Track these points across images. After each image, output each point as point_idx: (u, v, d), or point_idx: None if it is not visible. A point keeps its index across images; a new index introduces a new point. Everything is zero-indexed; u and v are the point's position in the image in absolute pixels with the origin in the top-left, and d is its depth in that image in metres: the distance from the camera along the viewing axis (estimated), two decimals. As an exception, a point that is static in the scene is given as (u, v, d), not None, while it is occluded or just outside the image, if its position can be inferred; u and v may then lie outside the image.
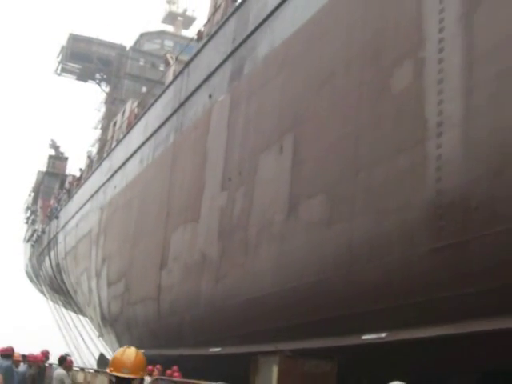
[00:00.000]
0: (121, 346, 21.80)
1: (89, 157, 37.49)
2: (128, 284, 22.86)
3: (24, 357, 15.18)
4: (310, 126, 12.72)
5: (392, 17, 10.85)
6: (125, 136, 27.34)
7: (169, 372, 16.74)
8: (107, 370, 4.24)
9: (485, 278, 8.24)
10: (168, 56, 26.70)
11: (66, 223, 36.49)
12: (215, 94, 18.03)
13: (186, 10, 60.81)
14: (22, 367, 14.54)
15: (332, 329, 11.08)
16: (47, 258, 41.50)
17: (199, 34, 22.02)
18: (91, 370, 22.05)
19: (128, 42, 56.16)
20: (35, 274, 49.99)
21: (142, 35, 56.55)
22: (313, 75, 12.97)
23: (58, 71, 58.90)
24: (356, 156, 11.01)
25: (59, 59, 57.98)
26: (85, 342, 38.23)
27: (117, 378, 4.00)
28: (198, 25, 60.19)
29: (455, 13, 9.38)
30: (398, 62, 10.39)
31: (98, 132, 56.07)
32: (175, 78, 21.93)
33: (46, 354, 15.71)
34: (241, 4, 17.65)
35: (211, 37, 19.24)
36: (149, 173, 22.70)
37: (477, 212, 8.30)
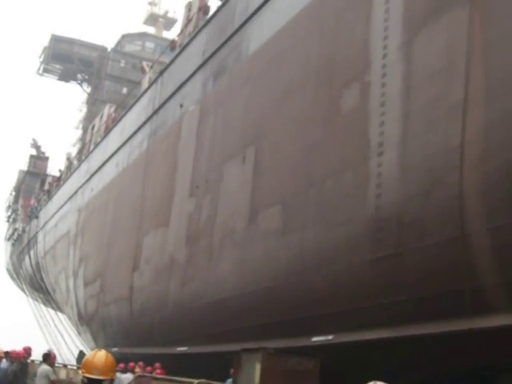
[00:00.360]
0: (96, 344, 22.41)
1: (68, 159, 37.89)
2: (103, 284, 23.42)
3: (6, 353, 15.41)
4: (269, 139, 13.40)
5: (343, 42, 11.56)
6: (102, 140, 27.85)
7: (150, 369, 16.65)
8: (79, 372, 4.77)
9: (416, 287, 8.97)
10: (144, 64, 27.27)
11: (46, 223, 36.90)
12: (186, 103, 18.65)
13: (167, 12, 61.14)
14: (4, 363, 14.83)
15: (286, 331, 11.77)
16: (27, 257, 41.85)
17: (173, 43, 22.61)
18: (74, 367, 22.35)
19: (110, 43, 56.56)
20: (16, 272, 50.24)
21: (124, 36, 56.84)
22: (273, 92, 13.65)
23: (40, 71, 59.01)
24: (309, 170, 11.71)
25: (41, 60, 58.10)
26: (64, 339, 38.64)
27: (88, 379, 4.30)
28: (179, 27, 60.74)
29: (397, 41, 10.10)
30: (347, 84, 11.09)
31: (79, 132, 56.32)
32: (150, 85, 22.51)
33: (28, 351, 15.85)
34: (211, 18, 18.28)
35: (183, 48, 19.86)
36: (124, 177, 23.26)
37: (410, 227, 9.03)
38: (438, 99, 8.94)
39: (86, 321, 26.61)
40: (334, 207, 10.75)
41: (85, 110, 58.27)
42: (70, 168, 35.30)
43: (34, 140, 57.04)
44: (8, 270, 53.94)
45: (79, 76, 58.56)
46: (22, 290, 51.41)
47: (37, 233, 38.81)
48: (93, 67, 55.51)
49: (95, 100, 54.61)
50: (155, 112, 21.18)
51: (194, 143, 17.41)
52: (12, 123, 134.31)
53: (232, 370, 11.69)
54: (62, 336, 39.42)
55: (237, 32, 16.09)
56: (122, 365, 15.80)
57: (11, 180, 59.86)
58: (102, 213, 25.15)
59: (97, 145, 28.66)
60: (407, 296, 9.12)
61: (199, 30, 18.90)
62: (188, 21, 20.90)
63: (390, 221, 9.37)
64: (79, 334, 30.75)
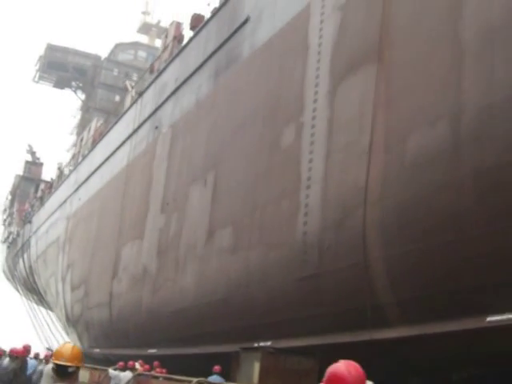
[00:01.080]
0: (81, 344, 23.82)
1: (59, 168, 39.33)
2: (87, 290, 24.92)
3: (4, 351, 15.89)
4: (226, 166, 14.92)
5: (285, 85, 13.07)
6: (89, 152, 29.33)
7: (148, 367, 16.27)
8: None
9: (332, 303, 10.49)
10: (127, 83, 28.68)
11: (38, 228, 38.36)
12: (161, 126, 20.15)
13: (159, 22, 62.53)
14: (5, 361, 14.73)
15: (236, 338, 13.27)
16: (21, 260, 43.29)
17: (151, 67, 24.10)
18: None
19: (104, 51, 57.96)
20: (11, 274, 51.62)
21: (117, 46, 58.17)
22: (231, 123, 15.17)
23: (36, 79, 60.38)
24: (254, 197, 13.22)
25: (37, 67, 59.45)
26: (56, 338, 40.00)
27: (57, 365, 4.76)
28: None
29: (325, 88, 11.62)
30: (285, 123, 12.61)
31: (74, 137, 57.73)
32: (130, 105, 24.00)
33: (27, 348, 15.85)
34: (183, 48, 19.78)
35: (159, 74, 21.37)
36: (107, 190, 24.75)
37: (327, 252, 10.55)
38: (351, 144, 10.45)
39: (72, 323, 28.11)
40: (273, 231, 12.27)
41: (79, 116, 59.70)
42: (61, 177, 36.73)
43: (29, 146, 58.47)
44: (4, 271, 55.32)
45: (74, 83, 59.88)
46: (17, 290, 52.78)
47: (30, 237, 40.28)
48: (87, 75, 56.87)
49: (88, 108, 56.05)
50: (135, 131, 22.68)
51: (165, 163, 18.92)
52: (8, 129, 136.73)
53: (216, 367, 13.32)
54: (54, 335, 40.83)
55: (204, 63, 17.59)
56: (121, 363, 15.78)
57: (7, 184, 61.03)
58: (88, 222, 26.64)
59: (84, 157, 30.14)
60: (326, 310, 10.64)
61: (173, 58, 20.40)
62: (165, 47, 22.41)
63: (313, 245, 10.89)
64: (67, 333, 32.21)
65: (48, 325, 42.44)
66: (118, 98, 51.36)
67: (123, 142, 23.80)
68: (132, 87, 26.01)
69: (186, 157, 17.64)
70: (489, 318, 8.04)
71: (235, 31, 15.92)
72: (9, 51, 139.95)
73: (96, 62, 57.08)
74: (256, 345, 10.87)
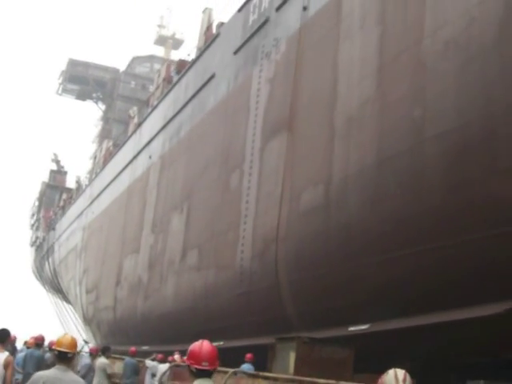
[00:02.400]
0: (95, 341, 27.60)
1: (77, 182, 43.09)
2: (98, 294, 28.55)
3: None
4: (195, 198, 18.24)
5: (235, 136, 16.30)
6: (101, 171, 32.92)
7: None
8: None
9: (259, 313, 13.75)
10: (130, 112, 32.11)
11: (60, 235, 42.20)
12: (153, 156, 23.54)
13: (174, 34, 65.98)
14: (46, 355, 14.08)
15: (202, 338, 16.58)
16: (47, 263, 47.28)
17: (148, 100, 27.49)
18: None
19: (123, 61, 61.56)
20: (39, 274, 55.78)
21: (134, 59, 61.77)
22: (199, 162, 18.47)
23: (59, 92, 64.29)
24: (213, 226, 16.52)
25: (60, 81, 63.33)
26: (78, 332, 43.85)
27: (59, 351, 5.70)
28: (186, 46, 65.66)
29: (258, 144, 14.83)
30: (233, 169, 15.86)
31: (95, 146, 61.57)
32: (131, 135, 27.48)
33: None
34: (169, 90, 23.12)
35: (152, 109, 24.76)
36: (114, 207, 28.28)
37: (254, 275, 13.81)
38: (271, 193, 13.67)
39: (88, 321, 31.85)
40: (222, 256, 15.56)
41: (100, 126, 63.54)
42: (79, 189, 40.48)
43: (54, 155, 62.45)
44: (33, 271, 59.57)
45: (94, 95, 63.66)
46: (44, 288, 56.93)
47: (53, 243, 44.19)
48: (106, 88, 60.56)
49: (108, 118, 59.82)
50: (134, 157, 26.11)
51: (156, 190, 22.32)
52: (35, 138, 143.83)
53: (248, 355, 13.30)
54: (79, 331, 44.73)
55: (184, 107, 20.90)
56: (160, 355, 15.89)
57: (35, 190, 65.28)
58: (99, 234, 30.24)
59: (97, 174, 33.77)
60: (256, 318, 13.92)
61: (163, 98, 23.76)
62: (157, 86, 25.79)
63: (246, 270, 14.16)
64: (85, 330, 36.02)
65: (72, 320, 46.35)
66: (135, 108, 55.05)
67: (126, 166, 27.26)
68: (134, 115, 29.42)
69: (170, 186, 21.01)
70: (350, 328, 11.18)
71: (205, 84, 19.19)
72: (33, 66, 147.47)
73: (115, 74, 60.64)
74: (292, 335, 10.72)
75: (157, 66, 62.44)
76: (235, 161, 15.93)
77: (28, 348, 13.71)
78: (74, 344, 5.94)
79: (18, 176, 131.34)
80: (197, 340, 4.64)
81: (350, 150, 11.18)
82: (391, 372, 3.64)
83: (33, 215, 61.86)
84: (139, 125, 26.56)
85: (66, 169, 61.10)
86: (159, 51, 66.23)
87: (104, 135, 55.11)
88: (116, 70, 61.80)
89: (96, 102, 64.67)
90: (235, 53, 17.25)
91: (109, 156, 32.88)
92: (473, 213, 8.48)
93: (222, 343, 14.18)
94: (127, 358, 15.88)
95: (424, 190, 9.32)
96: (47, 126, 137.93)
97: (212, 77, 18.71)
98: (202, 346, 4.50)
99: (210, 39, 20.23)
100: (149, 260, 21.54)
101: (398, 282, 9.89)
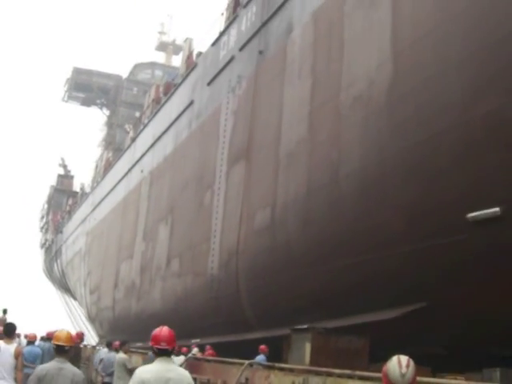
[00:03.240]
0: (99, 338, 30.03)
1: (81, 189, 45.50)
2: (99, 295, 30.93)
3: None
4: (177, 212, 20.48)
5: (208, 158, 18.49)
6: (101, 180, 35.25)
7: (211, 352, 15.50)
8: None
9: (226, 315, 15.97)
10: (126, 126, 34.33)
11: (67, 238, 44.64)
12: (144, 170, 25.80)
13: (175, 40, 68.07)
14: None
15: (186, 336, 18.83)
16: (55, 264, 49.79)
17: (140, 117, 29.73)
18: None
19: (126, 67, 63.73)
20: (49, 274, 58.38)
21: (136, 66, 63.91)
22: (181, 181, 20.70)
23: (65, 99, 66.60)
24: (190, 238, 18.75)
25: (65, 89, 65.65)
26: (86, 327, 46.26)
27: (57, 345, 6.23)
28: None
29: (225, 169, 17.01)
30: (206, 188, 18.07)
31: (101, 149, 63.93)
32: (127, 148, 29.76)
33: (80, 336, 16.26)
34: (158, 111, 25.33)
35: (144, 127, 27.00)
36: (112, 215, 30.58)
37: (220, 283, 16.03)
38: (233, 212, 15.86)
39: (91, 319, 34.29)
40: (198, 264, 17.80)
41: (105, 130, 65.87)
42: (83, 195, 42.87)
43: (62, 159, 64.91)
44: (44, 271, 62.20)
45: (99, 101, 65.97)
46: (54, 286, 59.52)
47: (61, 246, 46.65)
48: (110, 94, 62.82)
49: (112, 124, 62.12)
50: (129, 170, 28.39)
51: (146, 202, 24.59)
52: (43, 143, 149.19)
53: (261, 347, 13.10)
54: (87, 327, 47.17)
55: (170, 127, 23.12)
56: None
57: (44, 193, 67.75)
58: (100, 239, 32.59)
59: (98, 183, 36.11)
60: (223, 319, 16.16)
61: (152, 118, 26.00)
62: (148, 105, 28.03)
63: (215, 277, 16.39)
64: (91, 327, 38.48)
65: (80, 316, 48.81)
66: (137, 113, 57.31)
67: (122, 177, 29.55)
68: (130, 130, 31.68)
69: (157, 199, 23.26)
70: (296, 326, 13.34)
71: (185, 109, 21.39)
72: (40, 75, 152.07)
73: (117, 81, 62.79)
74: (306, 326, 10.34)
75: (158, 73, 64.73)
76: (208, 181, 18.14)
77: (45, 342, 13.95)
78: (70, 338, 6.39)
79: (29, 180, 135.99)
80: (182, 338, 6.61)
81: (289, 180, 13.35)
82: (394, 358, 3.62)
83: (42, 218, 64.41)
84: (133, 140, 28.81)
85: (72, 173, 63.57)
86: (161, 56, 68.41)
87: (109, 140, 57.36)
88: (119, 77, 63.94)
89: (100, 108, 66.89)
90: (208, 84, 19.44)
91: (108, 166, 35.18)
92: (370, 236, 10.64)
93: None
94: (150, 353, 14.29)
95: (340, 216, 11.50)
96: (54, 131, 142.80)
97: (191, 103, 20.91)
98: (162, 330, 5.26)
99: (190, 67, 22.42)
100: (141, 265, 23.83)
101: (323, 287, 12.09)
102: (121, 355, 12.95)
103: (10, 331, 9.62)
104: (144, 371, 5.10)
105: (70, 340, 6.39)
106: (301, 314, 13.07)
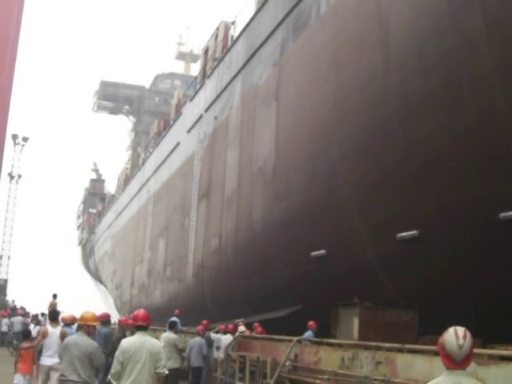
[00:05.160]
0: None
1: (108, 196, 51.82)
2: (122, 291, 37.12)
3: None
4: (170, 230, 26.25)
5: (187, 191, 24.13)
6: (122, 193, 41.33)
7: (260, 330, 15.18)
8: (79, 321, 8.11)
9: (198, 311, 21.70)
10: (139, 149, 40.21)
11: (98, 239, 51.08)
12: (150, 191, 31.63)
13: (192, 50, 73.71)
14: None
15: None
16: (90, 261, 56.45)
17: (147, 145, 35.49)
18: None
19: (149, 75, 69.18)
20: (86, 267, 65.29)
21: (156, 77, 69.81)
22: (172, 205, 26.43)
23: (95, 109, 72.92)
24: (177, 252, 24.50)
25: (94, 100, 72.04)
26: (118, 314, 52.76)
27: (82, 324, 7.86)
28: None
29: (196, 202, 22.65)
30: (186, 214, 23.76)
31: (129, 153, 70.20)
32: (138, 169, 35.65)
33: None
34: (158, 144, 31.04)
35: (149, 155, 32.79)
36: (129, 224, 36.62)
37: (194, 287, 21.76)
38: (200, 236, 21.50)
39: (118, 310, 40.60)
40: (181, 272, 23.56)
41: (132, 135, 72.11)
42: (110, 202, 49.14)
43: (94, 164, 71.56)
44: (82, 264, 69.22)
45: (125, 110, 72.22)
46: (93, 279, 66.36)
47: (93, 245, 53.19)
48: (134, 103, 68.90)
49: (137, 131, 68.29)
50: (140, 188, 34.29)
51: (151, 218, 30.45)
52: (77, 149, 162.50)
53: (310, 323, 12.91)
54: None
55: (165, 161, 28.83)
56: (222, 326, 15.84)
57: (80, 194, 74.51)
58: (121, 244, 38.71)
59: (119, 195, 42.23)
60: (197, 314, 21.88)
61: (155, 148, 31.74)
62: (152, 137, 33.79)
63: (190, 284, 22.13)
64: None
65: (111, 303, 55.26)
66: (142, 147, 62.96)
67: (136, 194, 35.49)
68: (141, 153, 37.58)
69: (158, 217, 29.09)
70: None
71: (174, 148, 27.05)
72: (72, 88, 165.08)
73: (141, 91, 68.81)
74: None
75: (177, 82, 70.47)
76: (187, 209, 23.84)
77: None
78: (94, 318, 7.80)
79: (68, 182, 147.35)
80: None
81: (228, 219, 18.93)
82: (451, 329, 3.46)
83: (78, 217, 71.29)
84: (143, 163, 34.68)
85: (104, 176, 70.18)
86: (180, 65, 74.14)
87: (135, 146, 63.49)
88: (142, 88, 69.88)
89: (127, 115, 73.10)
90: (188, 132, 25.05)
91: (127, 180, 41.22)
92: (272, 262, 16.16)
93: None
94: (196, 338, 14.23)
95: (254, 247, 17.04)
96: (87, 138, 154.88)
97: (178, 144, 26.57)
98: (139, 312, 6.82)
99: (179, 111, 28.04)
100: (148, 269, 29.79)
101: (250, 294, 17.68)
102: (171, 335, 12.67)
103: (54, 317, 11.27)
104: (126, 341, 6.68)
105: (95, 320, 8.01)
106: (239, 311, 18.75)
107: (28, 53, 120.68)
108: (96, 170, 70.68)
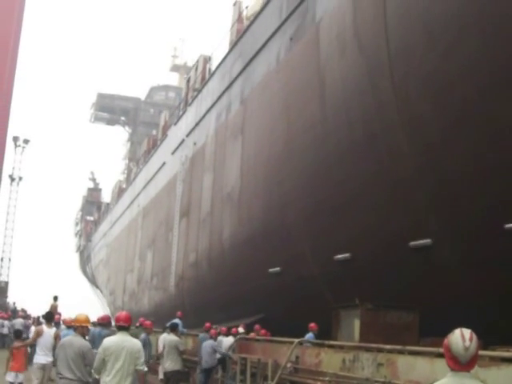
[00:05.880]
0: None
1: (104, 206, 53.99)
2: (115, 297, 39.26)
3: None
4: (156, 243, 28.42)
5: (170, 209, 26.29)
6: (115, 204, 43.50)
7: (264, 331, 15.36)
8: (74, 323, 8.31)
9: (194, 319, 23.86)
10: (131, 164, 42.37)
11: (95, 246, 53.23)
12: (140, 205, 33.78)
13: (186, 63, 75.79)
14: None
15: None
16: (87, 267, 58.59)
17: (138, 162, 37.66)
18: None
19: (145, 86, 71.14)
20: (84, 273, 67.41)
21: (152, 89, 71.95)
22: (158, 220, 28.59)
23: (92, 120, 75.07)
24: (162, 264, 26.65)
25: (92, 111, 74.18)
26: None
27: (76, 325, 8.01)
28: (220, 38, 76.69)
29: (177, 221, 24.80)
30: (170, 230, 25.92)
31: (126, 162, 72.30)
32: (129, 184, 37.82)
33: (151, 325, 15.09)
34: (147, 161, 33.22)
35: (139, 172, 34.95)
36: (122, 235, 38.78)
37: (176, 296, 23.92)
38: (181, 251, 23.64)
39: (112, 315, 42.74)
40: (165, 282, 25.71)
41: (128, 145, 74.22)
42: (105, 212, 51.31)
43: (91, 173, 73.69)
44: (80, 270, 71.35)
45: (121, 121, 74.33)
46: (90, 283, 68.42)
47: (90, 252, 55.33)
48: (130, 115, 71.01)
49: (133, 142, 70.40)
50: (131, 202, 36.45)
51: (140, 231, 32.62)
52: (74, 159, 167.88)
53: (311, 325, 12.61)
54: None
55: (152, 178, 31.00)
56: (224, 328, 15.59)
57: (78, 202, 76.64)
58: (115, 253, 40.87)
59: (113, 207, 44.39)
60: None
61: (144, 166, 33.91)
62: (141, 155, 35.95)
63: (172, 293, 24.29)
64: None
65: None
66: (154, 131, 65.33)
67: (128, 206, 37.64)
68: (133, 168, 39.74)
69: (147, 230, 31.26)
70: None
71: (160, 168, 29.21)
72: (70, 100, 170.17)
73: (136, 103, 70.95)
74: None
75: (171, 94, 72.63)
76: (170, 225, 26.01)
77: (94, 327, 13.95)
78: (87, 320, 8.02)
79: (67, 190, 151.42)
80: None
81: (203, 237, 21.11)
82: (457, 331, 3.37)
83: (76, 224, 73.43)
84: (134, 178, 36.86)
85: (101, 185, 72.30)
86: (174, 76, 76.33)
87: (131, 156, 65.61)
88: (137, 100, 71.99)
89: (123, 126, 75.22)
90: (172, 153, 27.21)
91: (120, 192, 43.38)
92: (238, 277, 18.30)
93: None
94: (204, 337, 14.46)
95: (224, 263, 19.18)
96: (85, 148, 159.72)
97: (164, 164, 28.74)
98: (121, 313, 7.21)
99: (165, 133, 30.22)
100: (137, 278, 31.94)
101: (220, 302, 19.82)
102: (173, 337, 12.56)
103: (49, 318, 11.55)
104: (108, 340, 6.93)
105: (87, 321, 8.26)
106: (214, 319, 20.89)
107: (29, 61, 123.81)
108: (93, 179, 72.80)
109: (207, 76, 23.73)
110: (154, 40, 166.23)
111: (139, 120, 69.70)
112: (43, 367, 10.77)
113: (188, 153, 24.52)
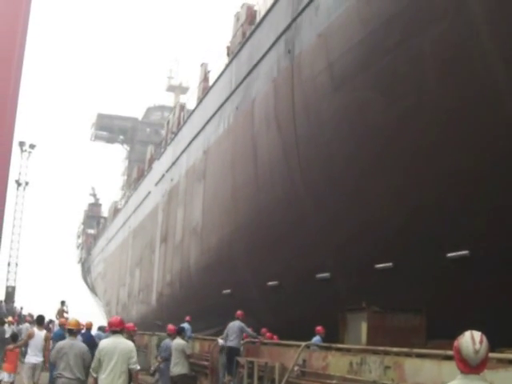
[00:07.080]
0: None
1: (102, 223, 57.86)
2: (109, 308, 43.12)
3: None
4: (143, 262, 32.29)
5: (153, 234, 30.17)
6: (111, 222, 47.40)
7: (269, 335, 15.33)
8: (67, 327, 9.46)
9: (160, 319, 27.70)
10: (124, 187, 46.22)
11: (94, 260, 57.11)
12: (130, 227, 37.65)
13: (181, 83, 79.61)
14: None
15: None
16: (88, 278, 62.45)
17: (130, 185, 41.55)
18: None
19: (142, 106, 74.51)
20: (86, 283, 71.27)
21: (148, 109, 75.67)
22: (144, 242, 32.47)
23: (92, 138, 78.92)
24: (146, 280, 30.50)
25: (92, 131, 78.04)
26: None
27: (69, 329, 8.72)
28: (191, 91, 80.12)
29: (158, 244, 28.67)
30: (153, 252, 29.78)
31: (124, 178, 76.14)
32: (125, 204, 41.71)
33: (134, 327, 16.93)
34: (136, 188, 37.13)
35: (130, 197, 38.86)
36: (117, 251, 42.67)
37: (157, 309, 27.78)
38: (160, 271, 27.51)
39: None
40: (149, 296, 29.56)
41: (127, 162, 78.00)
42: (103, 228, 55.19)
43: (92, 189, 77.66)
44: (82, 280, 75.20)
45: (119, 139, 78.16)
46: (91, 293, 72.26)
47: (90, 265, 59.22)
48: (128, 134, 74.81)
49: (131, 160, 74.19)
50: (124, 223, 40.35)
51: (131, 250, 36.52)
52: (76, 173, 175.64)
53: (318, 328, 12.88)
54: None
55: (140, 204, 34.88)
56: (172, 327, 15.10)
57: (80, 216, 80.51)
58: (111, 267, 44.75)
59: (110, 224, 48.30)
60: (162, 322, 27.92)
61: (134, 191, 37.82)
62: (134, 179, 39.88)
63: (154, 307, 28.13)
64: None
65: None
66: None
67: (121, 227, 41.52)
68: (129, 186, 43.60)
69: (135, 250, 35.14)
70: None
71: (146, 196, 33.09)
72: (71, 115, 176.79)
73: (134, 123, 74.77)
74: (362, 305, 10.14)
75: (166, 114, 76.22)
76: (153, 248, 29.90)
77: (104, 332, 14.94)
78: (77, 324, 8.81)
79: (69, 205, 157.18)
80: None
81: (176, 261, 24.96)
82: (467, 333, 3.28)
83: (78, 237, 77.35)
84: (126, 201, 40.76)
85: (101, 200, 76.24)
86: (170, 96, 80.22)
87: (129, 173, 69.44)
88: (135, 119, 75.67)
89: (122, 144, 78.99)
90: (156, 185, 31.11)
91: (116, 212, 47.27)
92: (203, 295, 22.15)
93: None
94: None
95: (191, 285, 23.01)
96: (85, 164, 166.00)
97: (149, 193, 32.64)
98: (113, 318, 7.77)
99: (150, 165, 34.12)
100: (128, 292, 35.82)
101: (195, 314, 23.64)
102: (179, 341, 12.53)
103: (41, 321, 11.90)
104: (103, 342, 7.52)
105: (77, 325, 8.96)
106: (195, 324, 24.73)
107: (34, 72, 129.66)
108: (94, 195, 76.71)
109: (181, 122, 27.61)
110: (151, 62, 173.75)
111: (136, 139, 73.45)
112: (34, 366, 11.26)
113: (167, 187, 28.38)
